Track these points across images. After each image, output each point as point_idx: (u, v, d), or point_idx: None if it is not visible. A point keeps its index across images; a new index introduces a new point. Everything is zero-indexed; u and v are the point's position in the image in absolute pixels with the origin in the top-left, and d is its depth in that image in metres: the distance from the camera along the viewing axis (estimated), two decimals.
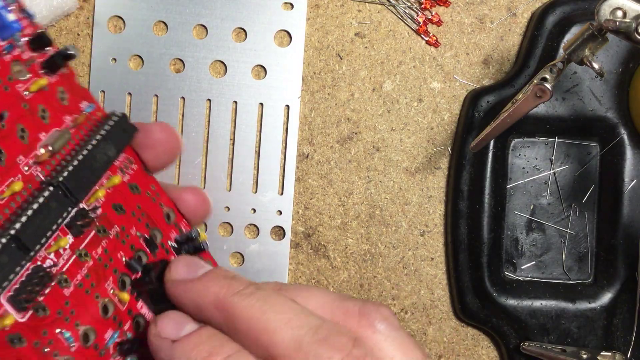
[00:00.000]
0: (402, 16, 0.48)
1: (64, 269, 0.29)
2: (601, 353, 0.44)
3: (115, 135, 0.30)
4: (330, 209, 0.48)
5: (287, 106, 0.47)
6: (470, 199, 0.46)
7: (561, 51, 0.42)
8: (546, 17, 0.46)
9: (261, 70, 0.47)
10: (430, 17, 0.47)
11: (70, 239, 0.29)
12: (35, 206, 0.27)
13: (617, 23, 0.36)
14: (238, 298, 0.28)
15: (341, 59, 0.48)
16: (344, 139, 0.48)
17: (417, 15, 0.47)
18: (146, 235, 0.33)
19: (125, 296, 0.31)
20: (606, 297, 0.46)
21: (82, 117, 0.30)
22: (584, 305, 0.46)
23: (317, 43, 0.48)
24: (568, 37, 0.45)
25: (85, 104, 0.31)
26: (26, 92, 0.28)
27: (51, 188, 0.28)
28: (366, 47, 0.48)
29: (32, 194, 0.27)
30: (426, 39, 0.48)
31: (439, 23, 0.47)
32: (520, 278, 0.47)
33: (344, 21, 0.48)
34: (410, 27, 0.48)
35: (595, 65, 0.37)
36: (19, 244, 0.26)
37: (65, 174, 0.28)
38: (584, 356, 0.44)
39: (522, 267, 0.48)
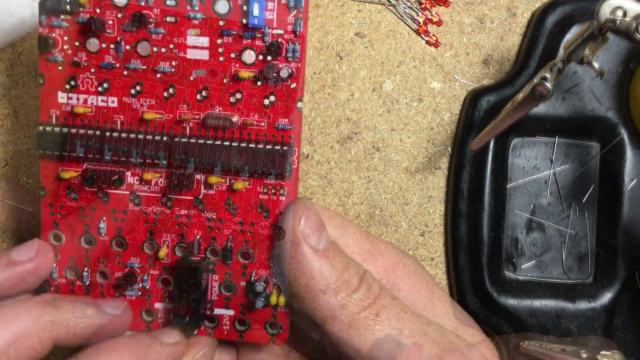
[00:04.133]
0: (402, 16, 0.48)
1: (142, 194, 0.37)
2: (601, 352, 0.44)
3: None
4: (330, 209, 0.48)
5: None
6: (470, 198, 0.46)
7: (561, 51, 0.42)
8: (546, 16, 0.46)
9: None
10: (430, 17, 0.47)
11: (162, 181, 0.37)
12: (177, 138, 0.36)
13: (617, 23, 0.36)
14: None
15: (341, 59, 0.48)
16: (344, 139, 0.48)
17: (417, 15, 0.47)
18: (231, 245, 0.37)
19: (163, 253, 0.38)
20: (606, 297, 0.46)
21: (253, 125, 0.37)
22: (584, 305, 0.46)
23: (317, 43, 0.48)
24: (568, 37, 0.45)
25: (284, 121, 0.36)
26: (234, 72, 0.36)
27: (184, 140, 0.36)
28: (366, 47, 0.48)
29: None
30: (426, 39, 0.48)
31: (439, 23, 0.47)
32: (520, 278, 0.47)
33: (344, 21, 0.48)
34: (410, 27, 0.48)
35: (596, 65, 0.37)
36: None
37: (202, 141, 0.36)
38: (584, 356, 0.44)
39: (522, 267, 0.48)
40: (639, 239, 0.46)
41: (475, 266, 0.46)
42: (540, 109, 0.46)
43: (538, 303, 0.46)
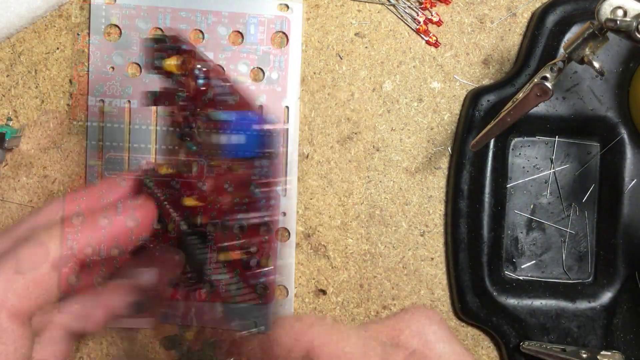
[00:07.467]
0: (402, 16, 0.48)
1: (155, 179, 0.42)
2: (601, 352, 0.45)
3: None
4: (330, 209, 0.48)
5: (287, 107, 0.47)
6: (470, 198, 0.46)
7: (562, 50, 0.42)
8: (547, 16, 0.46)
9: (259, 72, 0.47)
10: (430, 16, 0.47)
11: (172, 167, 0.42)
12: None
13: (618, 22, 0.36)
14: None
15: (341, 59, 0.48)
16: (344, 139, 0.48)
17: (417, 15, 0.47)
18: (228, 218, 0.42)
19: (171, 227, 0.42)
20: (606, 297, 0.46)
21: None
22: (584, 304, 0.46)
23: (317, 43, 0.48)
24: (569, 36, 0.45)
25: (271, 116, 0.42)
26: None
27: None
28: (366, 47, 0.48)
29: None
30: (426, 39, 0.48)
31: (439, 23, 0.47)
32: (520, 277, 0.47)
33: (344, 21, 0.48)
34: (410, 27, 0.48)
35: (596, 65, 0.38)
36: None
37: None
38: (584, 355, 0.44)
39: (522, 267, 0.48)
40: (639, 238, 0.46)
41: (475, 266, 0.46)
42: (541, 108, 0.46)
43: (538, 303, 0.46)
